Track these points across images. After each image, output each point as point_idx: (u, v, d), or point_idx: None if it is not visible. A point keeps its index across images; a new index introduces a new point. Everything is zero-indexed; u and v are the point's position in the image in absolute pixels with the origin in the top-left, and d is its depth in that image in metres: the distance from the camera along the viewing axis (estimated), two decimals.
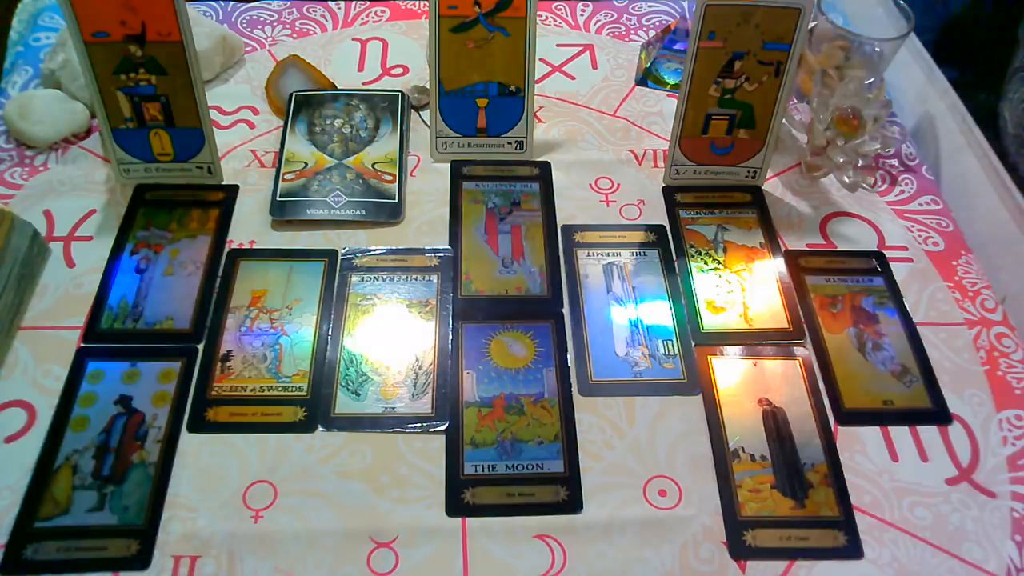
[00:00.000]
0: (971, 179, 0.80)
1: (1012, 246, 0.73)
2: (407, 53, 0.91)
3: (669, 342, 0.66)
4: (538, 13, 0.87)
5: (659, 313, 0.68)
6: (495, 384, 0.63)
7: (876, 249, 0.74)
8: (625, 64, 0.91)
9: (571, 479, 0.58)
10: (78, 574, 0.53)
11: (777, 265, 0.72)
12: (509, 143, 0.79)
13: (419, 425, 0.60)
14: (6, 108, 0.78)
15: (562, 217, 0.75)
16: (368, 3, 0.97)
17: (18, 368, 0.62)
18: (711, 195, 0.77)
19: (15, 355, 0.63)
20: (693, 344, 0.66)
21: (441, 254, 0.71)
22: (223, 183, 0.76)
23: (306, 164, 0.76)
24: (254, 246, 0.71)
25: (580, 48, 0.93)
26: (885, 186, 0.80)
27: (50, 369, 0.62)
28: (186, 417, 0.60)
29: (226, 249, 0.71)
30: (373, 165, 0.77)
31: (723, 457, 0.60)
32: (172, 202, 0.74)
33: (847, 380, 0.64)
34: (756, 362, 0.65)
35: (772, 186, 0.79)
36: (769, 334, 0.67)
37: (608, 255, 0.72)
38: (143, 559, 0.53)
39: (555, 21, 0.97)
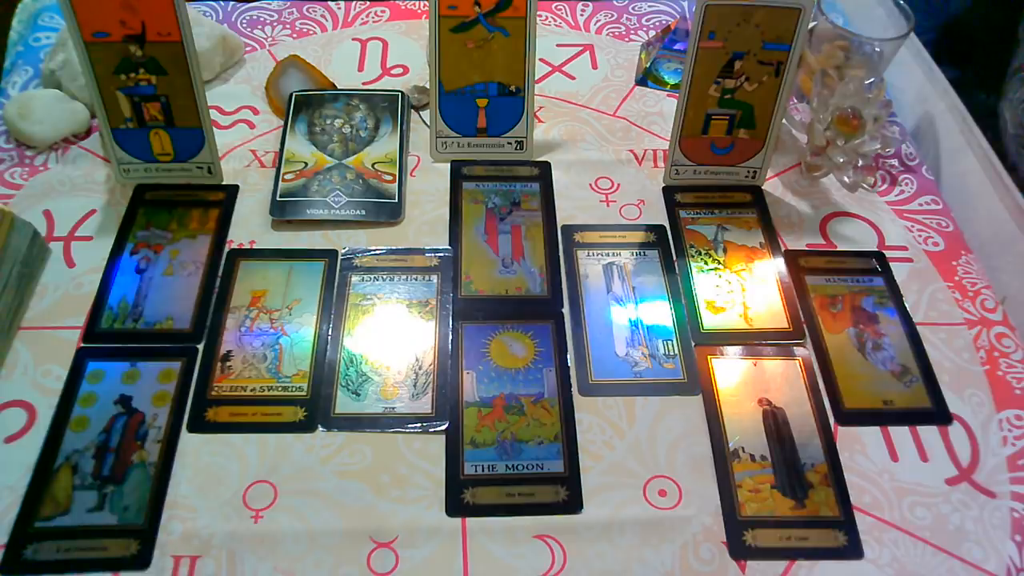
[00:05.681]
0: (971, 179, 0.80)
1: (1012, 246, 0.73)
2: (407, 53, 0.91)
3: (669, 342, 0.66)
4: (538, 13, 0.87)
5: (659, 313, 0.68)
6: (495, 384, 0.63)
7: (876, 249, 0.74)
8: (625, 64, 0.91)
9: (571, 479, 0.58)
10: (78, 574, 0.53)
11: (777, 265, 0.72)
12: (509, 143, 0.79)
13: (419, 425, 0.60)
14: (6, 108, 0.78)
15: (562, 217, 0.75)
16: (368, 3, 0.97)
17: (18, 368, 0.62)
18: (711, 195, 0.77)
19: (15, 355, 0.63)
20: (693, 344, 0.66)
21: (441, 254, 0.71)
22: (223, 183, 0.76)
23: (306, 164, 0.76)
24: (254, 246, 0.71)
25: (580, 48, 0.93)
26: (885, 186, 0.80)
27: (50, 369, 0.62)
28: (186, 417, 0.60)
29: (226, 249, 0.71)
30: (373, 165, 0.77)
31: (723, 457, 0.60)
32: (172, 202, 0.74)
33: (847, 380, 0.64)
34: (756, 362, 0.65)
35: (772, 186, 0.79)
36: (769, 334, 0.67)
37: (608, 255, 0.72)
38: (143, 559, 0.53)
39: (555, 21, 0.97)
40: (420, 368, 0.63)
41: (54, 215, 0.73)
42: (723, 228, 0.75)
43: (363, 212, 0.73)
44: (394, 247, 0.72)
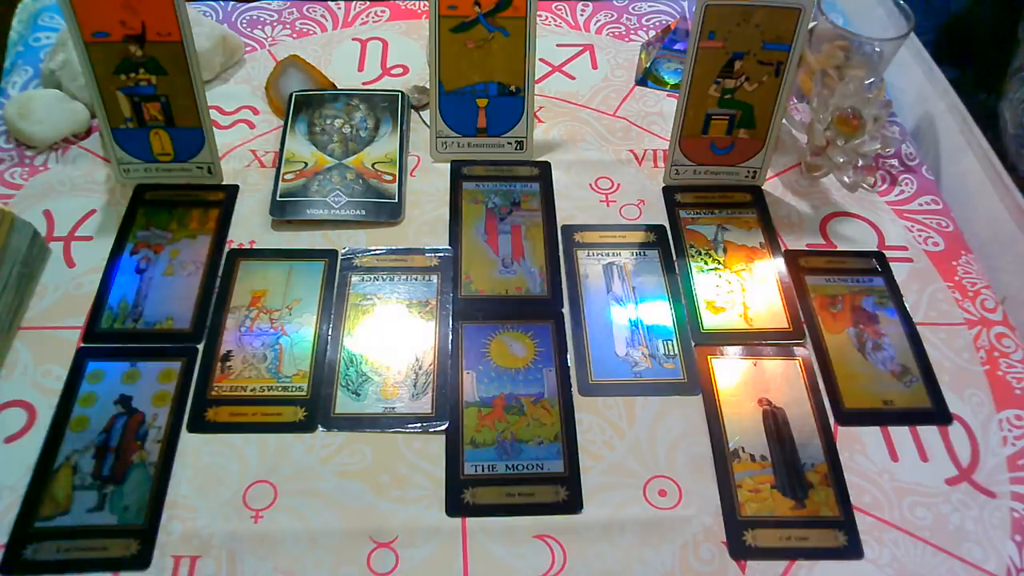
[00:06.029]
0: (971, 179, 0.80)
1: (1012, 246, 0.73)
2: (407, 53, 0.91)
3: (669, 342, 0.66)
4: (538, 13, 0.87)
5: (659, 313, 0.68)
6: (495, 384, 0.63)
7: (876, 249, 0.74)
8: (625, 64, 0.91)
9: (571, 479, 0.58)
10: (78, 574, 0.53)
11: (777, 265, 0.72)
12: (509, 143, 0.79)
13: (419, 425, 0.60)
14: (6, 108, 0.78)
15: (562, 217, 0.75)
16: (368, 3, 0.97)
17: (18, 368, 0.62)
18: (711, 195, 0.77)
19: (15, 355, 0.63)
20: (693, 344, 0.66)
21: (441, 254, 0.71)
22: (223, 183, 0.76)
23: (306, 164, 0.76)
24: (254, 246, 0.71)
25: (580, 48, 0.93)
26: (885, 186, 0.80)
27: (50, 369, 0.62)
28: (186, 417, 0.60)
29: (226, 249, 0.71)
30: (373, 165, 0.77)
31: (723, 457, 0.60)
32: (172, 202, 0.74)
33: (847, 380, 0.64)
34: (756, 362, 0.65)
35: (772, 186, 0.79)
36: (769, 334, 0.67)
37: (608, 255, 0.72)
38: (143, 559, 0.53)
39: (555, 21, 0.97)
40: (420, 368, 0.63)
41: (54, 215, 0.73)
42: (723, 228, 0.75)
43: (363, 212, 0.73)
44: (394, 247, 0.72)
